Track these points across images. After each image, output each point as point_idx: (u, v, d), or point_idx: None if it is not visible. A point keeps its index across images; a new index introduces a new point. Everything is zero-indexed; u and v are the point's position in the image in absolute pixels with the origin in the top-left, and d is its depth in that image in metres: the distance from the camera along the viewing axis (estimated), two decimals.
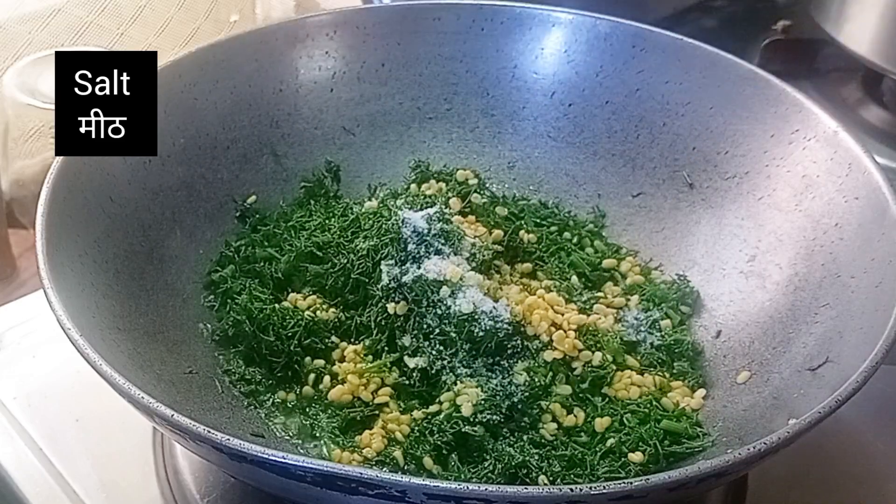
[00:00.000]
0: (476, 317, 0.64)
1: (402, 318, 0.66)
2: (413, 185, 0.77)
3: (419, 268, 0.66)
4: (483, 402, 0.61)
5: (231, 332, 0.67)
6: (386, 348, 0.66)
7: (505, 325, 0.64)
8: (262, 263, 0.72)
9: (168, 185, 0.72)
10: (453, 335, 0.64)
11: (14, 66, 0.92)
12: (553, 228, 0.77)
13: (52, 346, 0.73)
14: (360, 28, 0.82)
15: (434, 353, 0.64)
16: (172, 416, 0.47)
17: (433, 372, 0.64)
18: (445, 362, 0.64)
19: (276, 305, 0.68)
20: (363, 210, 0.74)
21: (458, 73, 0.83)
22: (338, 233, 0.73)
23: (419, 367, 0.64)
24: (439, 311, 0.65)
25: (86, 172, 0.64)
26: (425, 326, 0.65)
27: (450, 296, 0.65)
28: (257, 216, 0.76)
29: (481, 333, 0.63)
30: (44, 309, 0.53)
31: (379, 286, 0.67)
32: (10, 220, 0.91)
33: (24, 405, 0.69)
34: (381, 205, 0.74)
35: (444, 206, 0.71)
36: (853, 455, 0.68)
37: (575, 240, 0.77)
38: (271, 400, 0.64)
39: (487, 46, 0.83)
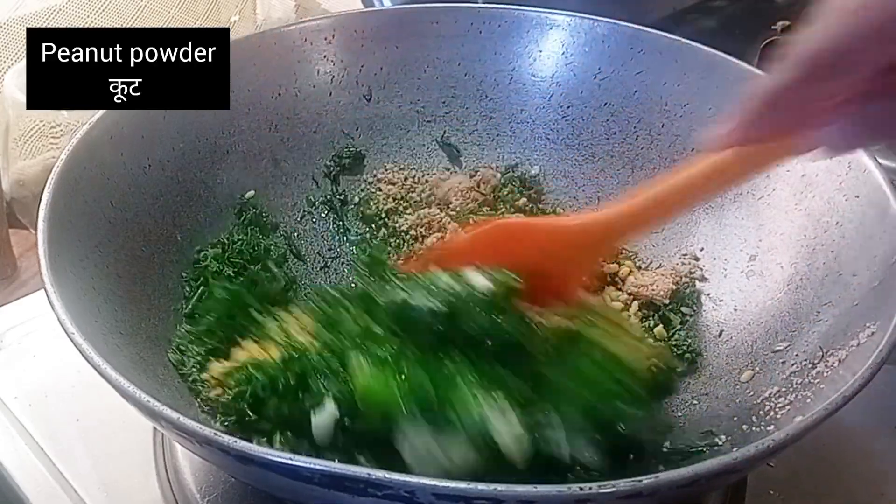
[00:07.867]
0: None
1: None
2: None
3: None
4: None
5: None
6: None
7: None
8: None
9: (168, 190, 0.72)
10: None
11: (14, 67, 0.91)
12: None
13: (52, 346, 0.73)
14: (359, 32, 0.82)
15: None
16: (179, 419, 0.47)
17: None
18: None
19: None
20: None
21: (457, 76, 0.83)
22: None
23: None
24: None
25: (86, 177, 0.64)
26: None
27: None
28: (255, 210, 0.76)
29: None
30: (44, 309, 0.53)
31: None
32: (10, 220, 0.91)
33: (24, 405, 0.70)
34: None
35: None
36: (853, 455, 0.68)
37: None
38: None
39: (485, 49, 0.83)
